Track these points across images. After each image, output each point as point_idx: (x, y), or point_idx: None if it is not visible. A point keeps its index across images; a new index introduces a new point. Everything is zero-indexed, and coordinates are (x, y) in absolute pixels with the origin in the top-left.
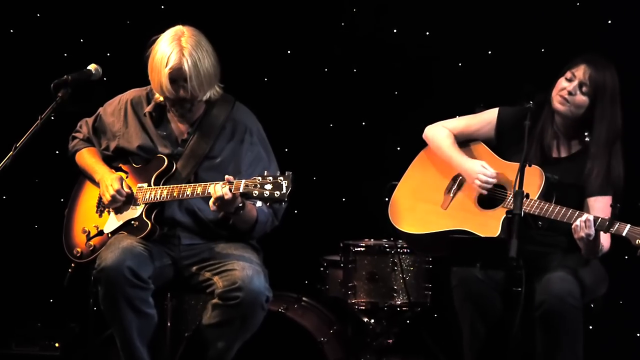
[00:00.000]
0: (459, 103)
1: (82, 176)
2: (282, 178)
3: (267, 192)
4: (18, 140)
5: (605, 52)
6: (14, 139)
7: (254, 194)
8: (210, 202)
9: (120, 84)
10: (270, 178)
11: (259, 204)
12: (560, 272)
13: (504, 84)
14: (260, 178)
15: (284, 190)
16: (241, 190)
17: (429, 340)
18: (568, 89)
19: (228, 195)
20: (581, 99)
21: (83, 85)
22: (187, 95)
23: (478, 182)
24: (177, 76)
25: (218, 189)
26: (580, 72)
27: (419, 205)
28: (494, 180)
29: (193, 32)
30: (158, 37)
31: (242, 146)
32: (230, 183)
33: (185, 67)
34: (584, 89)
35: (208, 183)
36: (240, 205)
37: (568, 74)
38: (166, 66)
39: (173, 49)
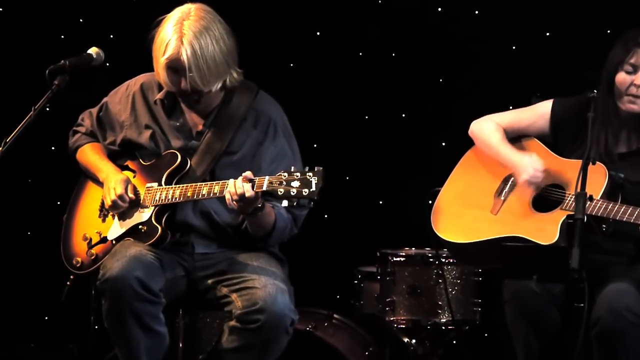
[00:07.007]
0: (513, 92)
1: (84, 177)
2: (311, 174)
3: (295, 190)
4: (9, 134)
5: None
6: (4, 133)
7: (279, 192)
8: (230, 199)
9: (125, 70)
10: (298, 174)
11: (284, 203)
12: (621, 285)
13: (564, 70)
14: (286, 174)
15: (314, 188)
16: (264, 188)
17: None
18: (636, 83)
19: (250, 193)
20: None
21: (83, 71)
22: (187, 88)
23: (525, 176)
24: (176, 66)
25: (239, 186)
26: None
27: (466, 211)
28: (541, 174)
29: (200, 14)
30: (164, 18)
31: (264, 140)
32: (251, 180)
33: (184, 57)
34: None
35: (226, 181)
36: (259, 206)
37: (627, 67)
38: (163, 55)
39: (172, 35)
